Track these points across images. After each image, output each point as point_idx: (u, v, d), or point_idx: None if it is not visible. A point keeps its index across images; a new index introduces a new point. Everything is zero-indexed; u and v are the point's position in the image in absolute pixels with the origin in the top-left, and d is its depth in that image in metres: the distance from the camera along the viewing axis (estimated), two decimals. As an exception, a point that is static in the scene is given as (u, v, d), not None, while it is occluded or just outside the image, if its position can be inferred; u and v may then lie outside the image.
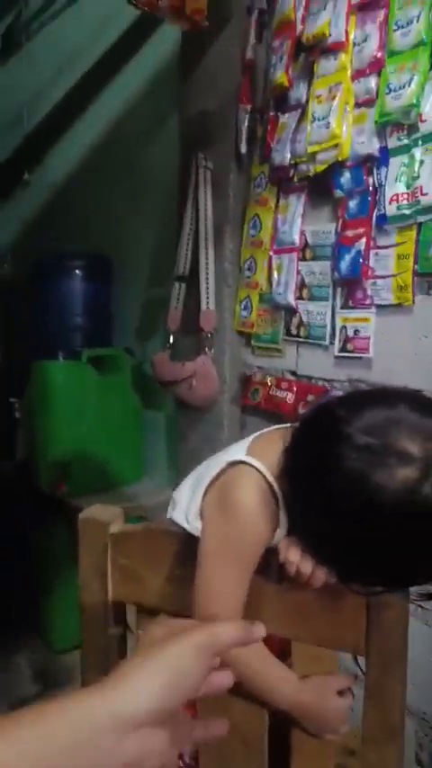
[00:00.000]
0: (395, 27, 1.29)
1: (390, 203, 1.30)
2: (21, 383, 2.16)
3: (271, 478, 0.65)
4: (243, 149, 1.70)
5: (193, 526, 0.75)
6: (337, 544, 0.52)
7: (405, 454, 0.50)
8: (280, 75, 1.52)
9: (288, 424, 0.65)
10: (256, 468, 0.67)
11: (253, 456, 0.68)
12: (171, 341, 1.88)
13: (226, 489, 0.70)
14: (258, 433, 0.77)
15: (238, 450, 0.72)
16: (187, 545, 0.71)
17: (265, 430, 0.77)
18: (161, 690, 0.40)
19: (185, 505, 0.78)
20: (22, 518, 2.09)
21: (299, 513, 0.60)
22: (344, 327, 1.43)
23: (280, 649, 0.74)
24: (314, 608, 0.66)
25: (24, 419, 2.22)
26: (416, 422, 0.51)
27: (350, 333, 1.41)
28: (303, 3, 1.47)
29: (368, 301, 1.37)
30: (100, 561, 0.77)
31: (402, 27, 1.27)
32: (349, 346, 1.41)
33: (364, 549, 0.52)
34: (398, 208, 1.28)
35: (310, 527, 0.53)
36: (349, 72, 1.38)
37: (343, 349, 1.43)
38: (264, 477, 0.66)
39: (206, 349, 1.76)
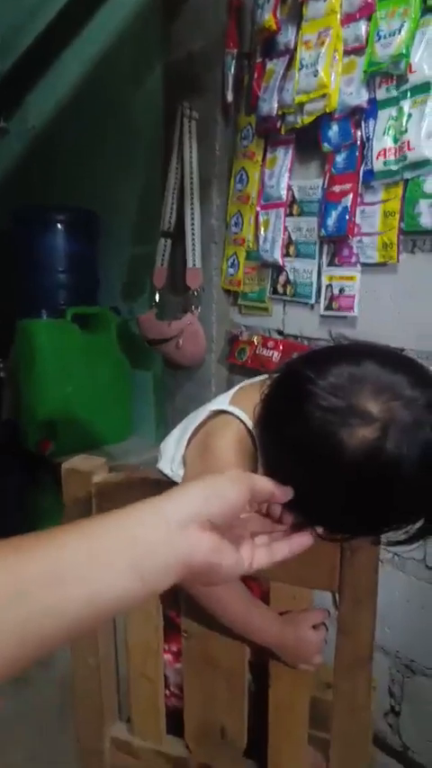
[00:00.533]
0: (386, -31, 1.23)
1: (377, 158, 1.27)
2: (5, 343, 2.14)
3: (251, 426, 0.68)
4: (230, 98, 1.64)
5: (176, 474, 0.77)
6: (304, 493, 0.54)
7: (366, 414, 0.51)
8: (268, 18, 1.46)
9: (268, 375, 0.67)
10: (237, 417, 0.69)
11: (235, 405, 0.71)
12: (157, 299, 1.87)
13: (207, 437, 0.74)
14: (242, 383, 0.80)
15: (221, 401, 0.74)
16: (166, 488, 0.73)
17: (249, 381, 0.80)
18: (202, 500, 0.47)
19: (171, 455, 0.82)
20: (11, 478, 2.11)
21: (271, 461, 0.62)
22: (329, 286, 1.42)
23: (261, 595, 0.78)
24: None
25: (9, 379, 2.21)
26: (380, 380, 0.52)
27: (336, 291, 1.40)
28: None
29: (354, 259, 1.36)
30: (84, 511, 0.79)
31: (394, -31, 1.22)
32: (334, 305, 1.41)
33: (329, 499, 0.54)
34: (385, 163, 1.26)
35: (281, 475, 0.55)
36: (339, 16, 1.33)
37: (328, 307, 1.43)
38: (244, 424, 0.68)
39: (193, 308, 1.74)
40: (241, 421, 0.69)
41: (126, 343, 2.16)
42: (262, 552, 0.53)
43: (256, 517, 0.56)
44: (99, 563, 0.42)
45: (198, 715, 0.85)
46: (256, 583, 0.80)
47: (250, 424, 0.68)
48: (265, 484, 0.52)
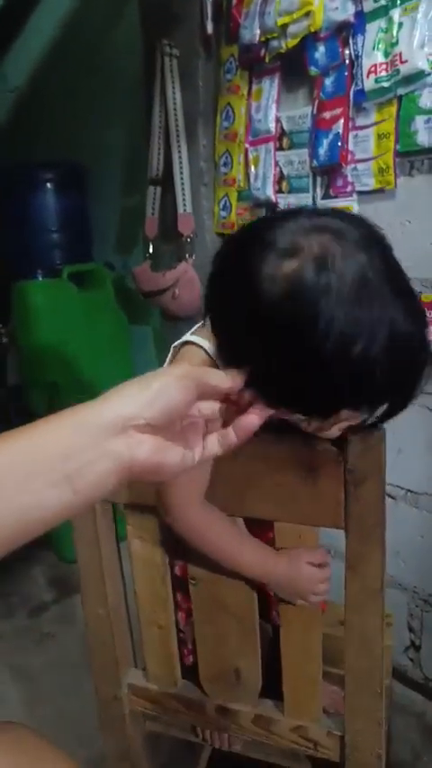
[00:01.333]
0: None
1: (367, 77, 1.20)
2: (4, 308, 2.11)
3: (212, 352, 0.67)
4: (209, 29, 1.55)
5: None
6: (251, 359, 0.52)
7: (297, 248, 0.51)
8: None
9: None
10: (200, 346, 0.69)
11: (198, 335, 0.71)
12: (151, 250, 1.81)
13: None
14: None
15: (185, 335, 0.74)
16: None
17: None
18: (141, 403, 0.46)
19: None
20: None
21: (223, 346, 0.61)
22: (325, 220, 1.35)
23: (266, 541, 0.77)
24: (294, 488, 0.67)
25: (12, 343, 2.19)
26: (311, 220, 0.53)
27: (332, 225, 1.34)
28: None
29: (349, 188, 1.29)
30: None
31: None
32: (332, 239, 1.35)
33: (273, 363, 0.51)
34: (376, 80, 1.18)
35: (235, 359, 0.55)
36: None
37: (326, 243, 1.37)
38: (207, 353, 0.68)
39: (187, 255, 1.69)
40: (204, 350, 0.69)
41: (123, 299, 2.12)
42: (213, 440, 0.52)
43: (209, 405, 0.52)
44: (31, 477, 0.41)
45: (211, 659, 0.84)
46: (260, 529, 0.78)
47: (211, 350, 0.68)
48: (214, 375, 0.51)
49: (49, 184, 2.11)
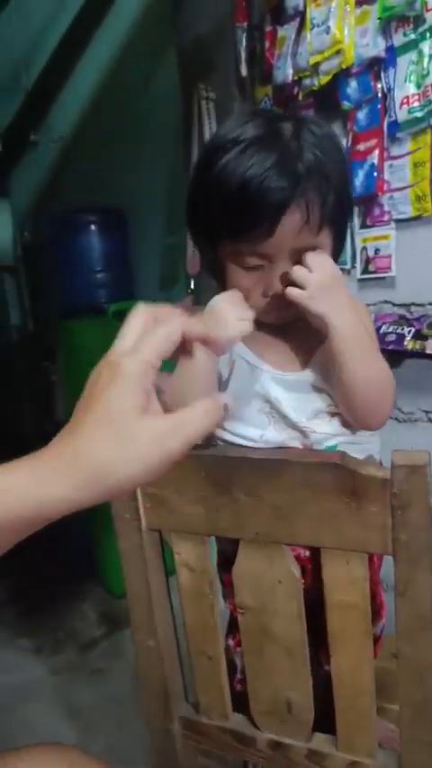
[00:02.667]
0: None
1: (400, 108, 1.22)
2: (53, 347, 2.18)
3: None
4: (244, 72, 1.61)
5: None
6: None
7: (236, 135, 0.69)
8: (273, -16, 1.42)
9: None
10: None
11: None
12: (192, 286, 1.86)
13: None
14: None
15: None
16: (210, 466, 0.72)
17: None
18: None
19: None
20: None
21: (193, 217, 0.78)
22: (364, 248, 1.37)
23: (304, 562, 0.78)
24: (339, 514, 0.67)
25: (60, 380, 2.26)
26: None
27: (371, 253, 1.35)
28: None
29: (386, 217, 1.30)
30: (131, 492, 0.79)
31: None
32: (371, 267, 1.35)
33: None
34: (409, 111, 1.20)
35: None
36: (346, -33, 1.27)
37: (365, 271, 1.37)
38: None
39: (228, 289, 1.72)
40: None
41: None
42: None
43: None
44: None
45: (262, 690, 0.83)
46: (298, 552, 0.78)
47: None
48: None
49: (92, 228, 2.20)
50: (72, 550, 2.15)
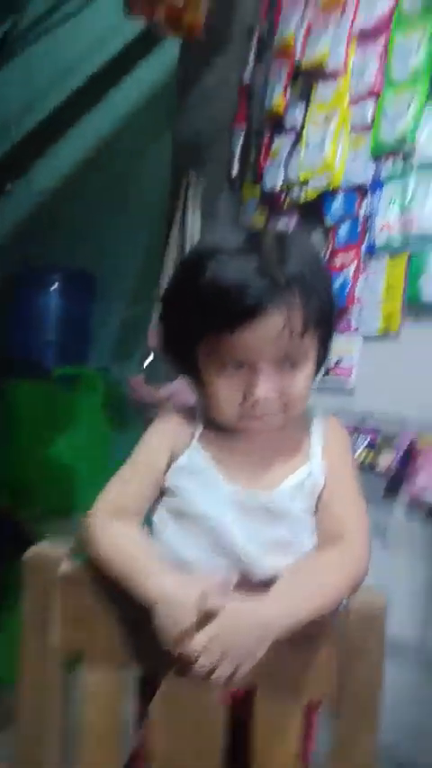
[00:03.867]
0: (394, 57, 1.27)
1: (380, 231, 1.26)
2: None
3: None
4: (235, 171, 1.67)
5: None
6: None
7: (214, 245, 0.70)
8: (277, 99, 1.50)
9: None
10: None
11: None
12: (150, 360, 1.82)
13: None
14: None
15: None
16: None
17: None
18: None
19: None
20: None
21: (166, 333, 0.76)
22: (327, 356, 1.37)
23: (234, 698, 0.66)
24: (280, 654, 0.59)
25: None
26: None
27: (333, 361, 1.35)
28: (304, 28, 1.45)
29: (353, 329, 1.32)
30: (46, 606, 0.69)
31: (401, 56, 1.25)
32: (332, 374, 1.35)
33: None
34: (388, 237, 1.25)
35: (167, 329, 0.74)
36: (347, 99, 1.36)
37: (325, 377, 1.37)
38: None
39: (185, 373, 1.69)
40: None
41: (113, 405, 2.09)
42: None
43: None
44: None
45: None
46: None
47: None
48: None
49: (54, 286, 2.17)
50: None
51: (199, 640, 0.58)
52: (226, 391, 0.69)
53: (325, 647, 0.57)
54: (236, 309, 0.65)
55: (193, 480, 0.72)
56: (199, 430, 0.75)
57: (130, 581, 0.65)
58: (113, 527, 0.71)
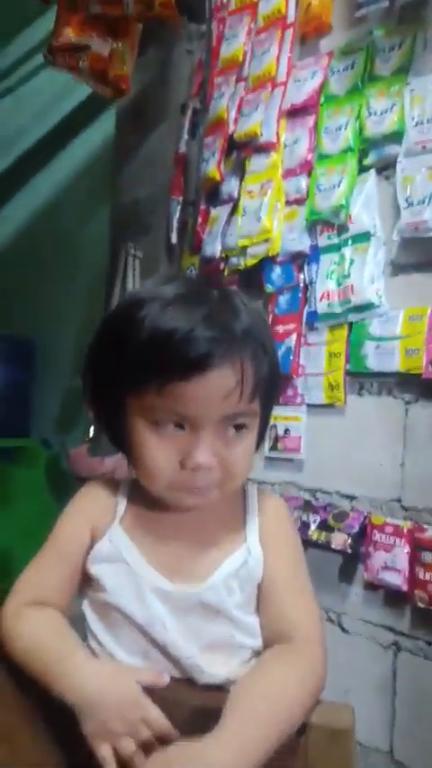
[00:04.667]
0: (324, 132, 1.30)
1: (320, 300, 1.26)
2: None
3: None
4: (174, 240, 1.66)
5: None
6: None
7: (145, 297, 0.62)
8: (212, 170, 1.51)
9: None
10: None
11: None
12: (92, 433, 1.74)
13: None
14: None
15: None
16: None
17: None
18: None
19: None
20: None
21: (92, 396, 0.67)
22: (274, 426, 1.34)
23: None
24: None
25: None
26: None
27: (280, 432, 1.32)
28: (236, 104, 1.49)
29: (299, 400, 1.30)
30: None
31: (331, 133, 1.29)
32: (280, 446, 1.32)
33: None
34: (329, 305, 1.25)
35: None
36: (280, 170, 1.38)
37: (273, 448, 1.34)
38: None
39: (129, 444, 1.62)
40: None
41: (56, 480, 1.99)
42: None
43: None
44: None
45: None
46: None
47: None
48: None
49: (-5, 355, 2.08)
50: None
51: None
52: (160, 455, 0.60)
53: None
54: (181, 357, 0.57)
55: (116, 573, 0.64)
56: (122, 507, 0.67)
57: (45, 679, 0.58)
58: (30, 616, 0.63)
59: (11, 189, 2.47)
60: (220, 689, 0.61)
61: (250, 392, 0.60)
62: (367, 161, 1.24)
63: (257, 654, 0.64)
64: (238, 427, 0.62)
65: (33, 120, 2.36)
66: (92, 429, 1.74)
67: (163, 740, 0.55)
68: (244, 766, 0.50)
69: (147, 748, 0.55)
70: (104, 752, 0.53)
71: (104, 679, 0.57)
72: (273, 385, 0.65)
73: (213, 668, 0.62)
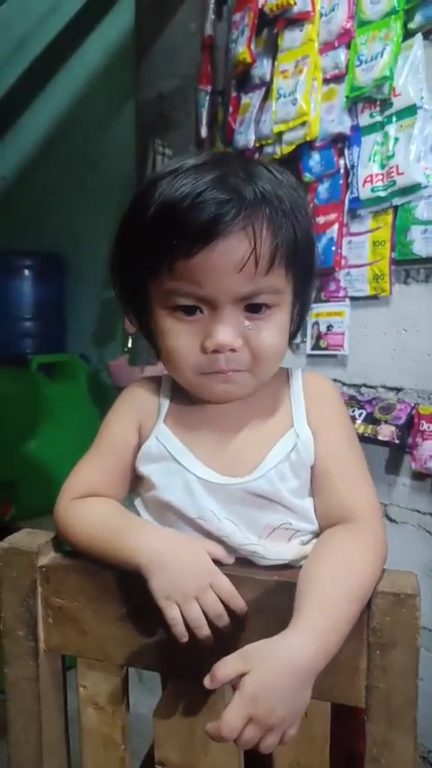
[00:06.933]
0: (365, -5, 1.18)
1: (363, 185, 1.18)
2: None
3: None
4: (204, 133, 1.57)
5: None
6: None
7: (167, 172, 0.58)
8: (242, 51, 1.40)
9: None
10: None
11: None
12: (130, 344, 1.74)
13: None
14: None
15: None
16: (133, 579, 0.57)
17: None
18: None
19: None
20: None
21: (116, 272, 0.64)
22: (316, 323, 1.30)
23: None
24: None
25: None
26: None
27: (323, 329, 1.29)
28: (265, -29, 1.35)
29: (342, 293, 1.25)
30: (28, 602, 0.62)
31: (372, -6, 1.16)
32: (322, 343, 1.29)
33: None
34: (372, 190, 1.17)
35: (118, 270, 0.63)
36: (316, 44, 1.27)
37: (316, 347, 1.30)
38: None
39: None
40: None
41: (96, 392, 2.01)
42: None
43: None
44: None
45: None
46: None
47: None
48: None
49: (26, 272, 2.06)
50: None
51: (231, 721, 0.45)
52: (181, 341, 0.58)
53: (350, 638, 0.50)
54: (187, 225, 0.53)
55: (165, 470, 0.64)
56: (165, 405, 0.66)
57: (110, 547, 0.58)
58: (86, 503, 0.64)
59: (28, 97, 2.36)
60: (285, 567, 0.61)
61: (267, 262, 0.55)
62: (413, 24, 1.12)
63: (316, 535, 0.64)
64: (263, 306, 0.58)
65: (43, 20, 2.21)
66: (129, 340, 1.74)
67: (231, 611, 0.55)
68: (327, 655, 0.48)
69: (214, 626, 0.54)
70: (174, 612, 0.53)
71: (176, 543, 0.58)
72: (302, 255, 0.59)
73: (273, 553, 0.62)
